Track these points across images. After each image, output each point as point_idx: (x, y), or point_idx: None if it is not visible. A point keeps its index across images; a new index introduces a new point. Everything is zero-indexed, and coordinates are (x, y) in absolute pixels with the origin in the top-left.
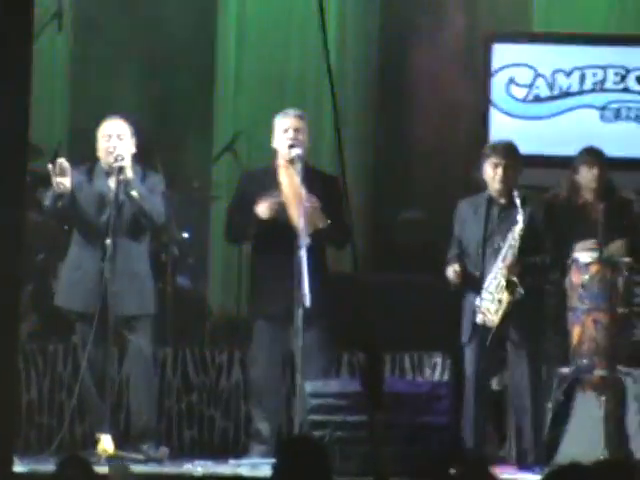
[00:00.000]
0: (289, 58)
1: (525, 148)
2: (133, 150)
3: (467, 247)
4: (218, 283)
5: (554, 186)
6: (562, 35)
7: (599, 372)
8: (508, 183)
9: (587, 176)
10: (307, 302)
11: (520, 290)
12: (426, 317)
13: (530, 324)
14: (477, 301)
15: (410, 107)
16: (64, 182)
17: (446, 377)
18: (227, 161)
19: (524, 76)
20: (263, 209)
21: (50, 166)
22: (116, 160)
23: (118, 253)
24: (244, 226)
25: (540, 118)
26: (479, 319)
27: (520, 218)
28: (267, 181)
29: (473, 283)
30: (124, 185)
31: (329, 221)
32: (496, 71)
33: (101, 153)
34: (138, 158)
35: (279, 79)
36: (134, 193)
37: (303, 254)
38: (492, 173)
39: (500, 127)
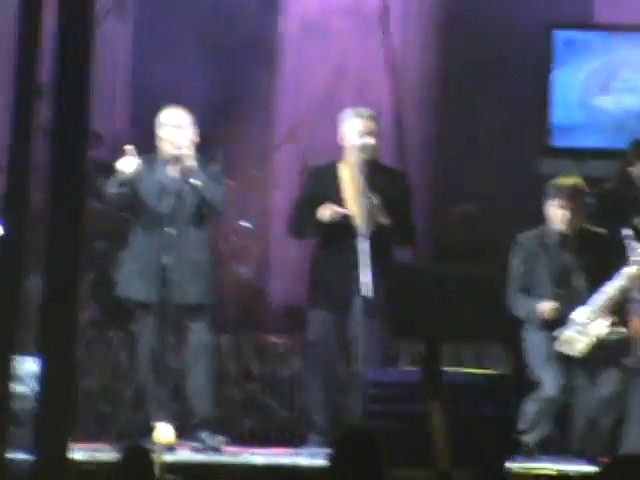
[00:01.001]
0: (351, 48)
1: (582, 141)
2: (194, 139)
3: (537, 286)
4: (278, 273)
5: (607, 178)
6: (624, 26)
7: None
8: (575, 223)
9: None
10: (368, 292)
11: (619, 331)
12: (486, 309)
13: None
14: (556, 332)
15: (472, 101)
16: (129, 167)
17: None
18: (288, 151)
19: (587, 66)
20: (326, 215)
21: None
22: (176, 149)
23: (179, 242)
24: (306, 225)
25: (602, 110)
26: (560, 347)
27: (637, 259)
28: (331, 178)
29: (555, 321)
30: (185, 174)
31: (390, 219)
32: (557, 60)
33: (161, 142)
34: (199, 147)
35: (341, 70)
36: (195, 182)
37: (363, 245)
38: (556, 214)
39: (560, 117)
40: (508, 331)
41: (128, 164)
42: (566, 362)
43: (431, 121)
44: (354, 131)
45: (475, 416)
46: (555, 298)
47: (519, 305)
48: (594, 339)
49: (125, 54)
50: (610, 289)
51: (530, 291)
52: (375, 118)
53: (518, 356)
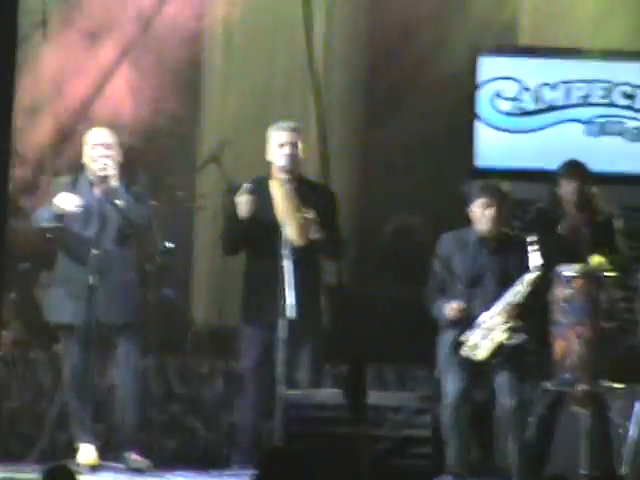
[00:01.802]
0: (275, 68)
1: (510, 162)
2: (118, 159)
3: (452, 284)
4: (202, 293)
5: (538, 200)
6: (548, 49)
7: (582, 387)
8: (496, 224)
9: (567, 188)
10: (292, 313)
11: (519, 335)
12: (410, 331)
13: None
14: (463, 336)
15: (397, 118)
16: (67, 205)
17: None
18: (211, 171)
19: (510, 89)
20: (241, 208)
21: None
22: (101, 169)
23: (105, 263)
24: (236, 237)
25: (525, 132)
26: (464, 352)
27: (537, 265)
28: (262, 194)
29: (461, 320)
30: (109, 194)
31: (322, 233)
32: (482, 84)
33: (86, 162)
34: (123, 168)
35: (265, 89)
36: (119, 202)
37: (289, 265)
38: (482, 214)
39: (485, 140)
40: (432, 353)
41: (66, 201)
42: (470, 369)
43: (356, 137)
44: (275, 143)
45: (399, 438)
46: (467, 298)
47: (432, 305)
48: (494, 344)
49: (49, 72)
50: (510, 294)
51: (445, 291)
52: (297, 130)
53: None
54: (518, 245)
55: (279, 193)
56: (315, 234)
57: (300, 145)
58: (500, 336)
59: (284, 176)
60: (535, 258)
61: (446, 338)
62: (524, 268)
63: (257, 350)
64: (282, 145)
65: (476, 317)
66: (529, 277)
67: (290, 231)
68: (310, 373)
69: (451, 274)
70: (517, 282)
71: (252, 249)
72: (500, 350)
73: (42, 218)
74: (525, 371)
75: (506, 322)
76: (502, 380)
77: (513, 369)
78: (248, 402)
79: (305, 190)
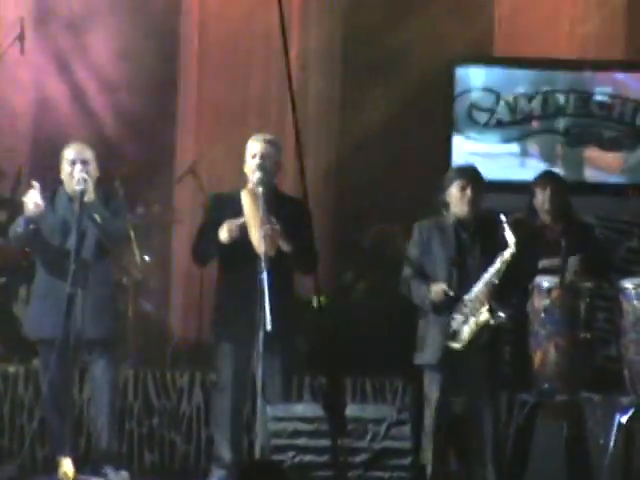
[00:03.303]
0: (250, 81)
1: (486, 173)
2: (96, 174)
3: (432, 269)
4: (179, 306)
5: (515, 210)
6: (524, 60)
7: (561, 397)
8: (474, 204)
9: (541, 198)
10: (268, 326)
11: (500, 315)
12: (388, 342)
13: (490, 348)
14: (449, 321)
15: (373, 130)
16: (38, 201)
17: (407, 402)
18: (188, 185)
19: (486, 100)
20: (223, 233)
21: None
22: (79, 184)
23: (82, 278)
24: (208, 249)
25: (502, 142)
26: (448, 340)
27: (511, 242)
28: (234, 205)
29: (446, 304)
30: (87, 209)
31: (291, 245)
32: (458, 95)
33: (64, 177)
34: (100, 182)
35: (241, 102)
36: (97, 217)
37: (264, 277)
38: (459, 195)
39: (462, 151)
40: (410, 364)
41: (34, 198)
42: (452, 367)
43: (331, 150)
44: (249, 154)
45: (378, 449)
46: (449, 280)
47: (413, 290)
48: (474, 327)
49: (27, 88)
50: (489, 275)
51: (426, 275)
52: (274, 143)
53: (420, 389)
54: (494, 225)
55: (249, 204)
56: (285, 246)
57: (274, 157)
58: (481, 318)
59: (255, 187)
60: (509, 236)
61: (431, 325)
62: (502, 247)
63: (234, 365)
64: (254, 156)
65: (458, 300)
66: (505, 255)
67: (261, 243)
68: (287, 386)
69: (430, 258)
70: (495, 262)
71: (224, 262)
72: (480, 334)
73: (16, 226)
74: (500, 382)
75: (486, 303)
76: (477, 390)
77: (490, 383)
78: (225, 415)
79: (278, 202)
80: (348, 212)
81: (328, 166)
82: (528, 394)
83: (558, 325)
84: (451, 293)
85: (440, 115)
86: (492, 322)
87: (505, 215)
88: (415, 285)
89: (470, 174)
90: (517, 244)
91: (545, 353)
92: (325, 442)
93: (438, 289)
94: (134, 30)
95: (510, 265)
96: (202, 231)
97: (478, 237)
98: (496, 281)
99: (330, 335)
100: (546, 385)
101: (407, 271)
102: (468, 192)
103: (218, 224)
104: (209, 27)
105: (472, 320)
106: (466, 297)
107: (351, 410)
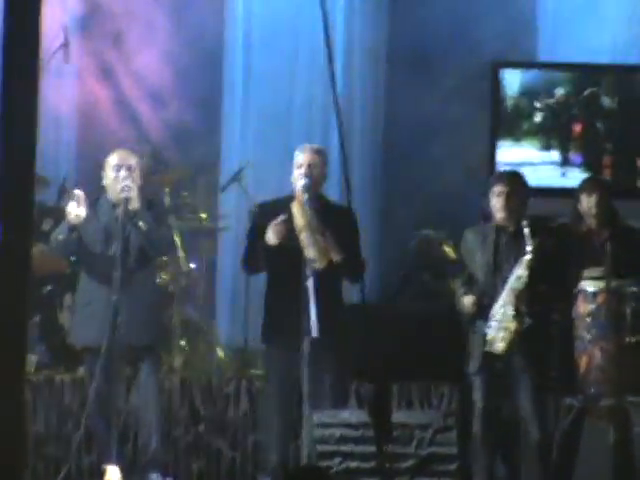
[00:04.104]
0: (295, 90)
1: (531, 180)
2: (140, 181)
3: (475, 276)
4: (225, 314)
5: (562, 216)
6: (567, 64)
7: (606, 401)
8: (512, 211)
9: (587, 203)
10: (315, 332)
11: (528, 320)
12: (433, 347)
13: (535, 353)
14: (486, 330)
15: (419, 137)
16: (79, 213)
17: (453, 407)
18: (234, 192)
19: (531, 104)
20: (270, 235)
21: (70, 197)
22: (123, 191)
23: (127, 285)
24: (258, 258)
25: (542, 149)
26: (487, 347)
27: (529, 248)
28: (279, 212)
29: (483, 312)
30: (131, 216)
31: (342, 255)
32: (503, 99)
33: (108, 183)
34: (145, 189)
35: (286, 110)
36: (141, 224)
37: (311, 284)
38: (496, 202)
39: (507, 156)
40: (456, 369)
41: (77, 209)
42: (492, 371)
43: (376, 163)
44: (295, 164)
45: (424, 455)
46: (487, 290)
47: (457, 299)
48: (510, 334)
49: (71, 96)
50: (513, 280)
51: (472, 284)
52: (320, 152)
53: (466, 395)
54: (535, 231)
55: (299, 214)
56: (336, 256)
57: (319, 166)
58: (512, 324)
59: (303, 197)
60: (528, 241)
61: (475, 334)
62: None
63: (281, 371)
64: (300, 166)
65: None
66: (527, 259)
67: (311, 252)
68: (334, 392)
69: (474, 265)
70: (516, 267)
71: (273, 269)
72: (516, 341)
73: (57, 233)
74: (546, 385)
75: (515, 309)
76: (527, 404)
77: (535, 384)
78: (272, 421)
79: (326, 211)
80: (394, 219)
81: (373, 173)
82: (574, 398)
83: (604, 329)
84: (474, 306)
85: (483, 119)
86: (520, 327)
87: (548, 221)
88: (457, 295)
89: (506, 180)
90: (536, 250)
91: (591, 357)
92: (371, 448)
93: (467, 302)
94: (178, 36)
95: (536, 269)
96: (250, 241)
97: (517, 244)
98: (520, 287)
99: (376, 342)
100: (592, 389)
101: (460, 280)
102: (503, 199)
103: (262, 232)
104: (253, 31)
105: (503, 326)
106: (496, 305)
107: (397, 416)
